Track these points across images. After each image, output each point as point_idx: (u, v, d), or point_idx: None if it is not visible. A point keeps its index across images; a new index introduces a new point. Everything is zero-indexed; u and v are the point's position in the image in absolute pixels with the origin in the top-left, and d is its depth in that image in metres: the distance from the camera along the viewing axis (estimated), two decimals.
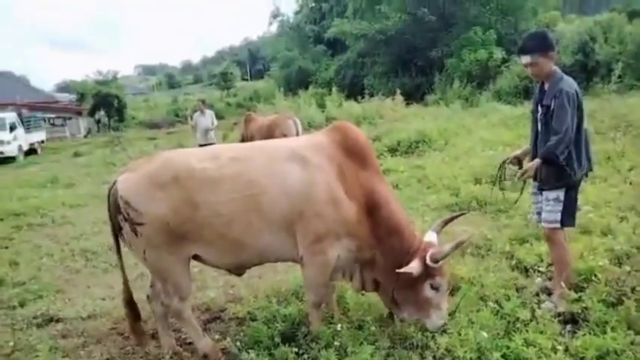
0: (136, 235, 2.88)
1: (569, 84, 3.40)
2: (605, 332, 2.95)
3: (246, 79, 57.31)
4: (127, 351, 3.42)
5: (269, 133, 9.60)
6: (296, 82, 29.42)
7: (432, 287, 3.01)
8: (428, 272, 2.95)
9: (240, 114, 23.31)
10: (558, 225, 3.45)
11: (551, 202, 3.45)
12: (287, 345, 3.15)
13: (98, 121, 29.36)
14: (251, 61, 67.19)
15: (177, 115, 11.18)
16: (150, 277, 3.39)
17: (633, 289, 3.36)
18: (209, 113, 10.91)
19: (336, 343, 3.04)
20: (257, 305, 3.78)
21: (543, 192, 3.52)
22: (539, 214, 3.67)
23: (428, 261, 2.90)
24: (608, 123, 9.03)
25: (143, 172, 2.93)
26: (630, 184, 6.06)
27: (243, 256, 3.07)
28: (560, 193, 3.42)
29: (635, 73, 15.21)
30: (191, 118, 11.28)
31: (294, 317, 3.47)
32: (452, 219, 3.34)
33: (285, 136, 9.39)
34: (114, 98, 29.33)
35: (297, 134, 9.72)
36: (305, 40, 32.92)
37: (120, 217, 2.90)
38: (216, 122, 11.04)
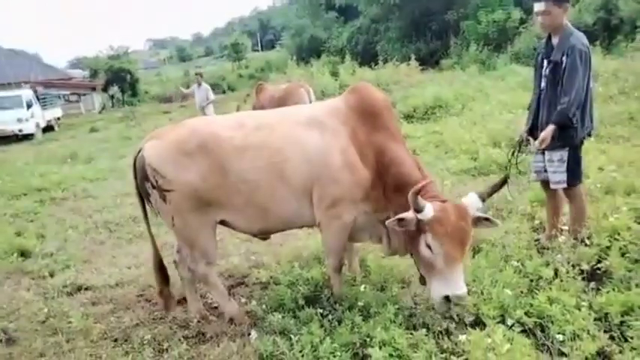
0: (165, 201, 2.93)
1: (581, 40, 3.29)
2: (629, 289, 2.94)
3: (258, 50, 56.65)
4: (155, 317, 3.51)
5: (281, 103, 9.53)
6: (308, 51, 29.01)
7: (426, 245, 2.70)
8: (421, 227, 2.71)
9: (252, 85, 23.13)
10: (565, 185, 3.44)
11: (556, 162, 3.42)
12: (311, 307, 3.21)
13: (112, 97, 29.46)
14: (262, 31, 66.20)
15: (188, 87, 11.14)
16: (176, 243, 3.44)
17: None
18: (204, 87, 10.92)
19: (359, 304, 3.08)
20: (280, 270, 3.84)
21: (546, 152, 3.47)
22: (537, 172, 3.67)
23: (415, 210, 2.66)
24: (632, 82, 8.76)
25: (170, 140, 2.96)
26: None
27: (269, 221, 3.12)
28: (564, 153, 3.38)
29: None
30: (188, 87, 11.37)
31: (317, 280, 3.52)
32: (500, 185, 2.91)
33: (297, 104, 9.35)
34: (126, 73, 29.35)
35: (310, 102, 9.66)
36: (316, 7, 32.22)
37: (148, 184, 2.95)
38: (212, 97, 11.10)
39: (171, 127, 3.24)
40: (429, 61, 20.44)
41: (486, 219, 2.81)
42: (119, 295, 3.91)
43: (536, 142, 3.37)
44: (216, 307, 3.51)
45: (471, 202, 2.79)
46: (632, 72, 9.21)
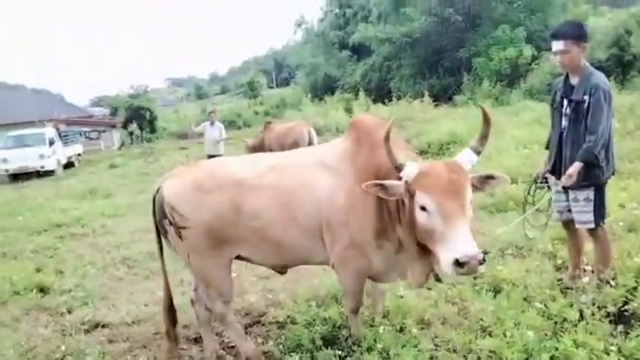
0: (181, 238, 2.98)
1: (603, 80, 3.31)
2: None
3: (273, 87, 57.86)
4: (171, 355, 3.47)
5: (283, 140, 9.89)
6: (322, 88, 29.56)
7: (420, 208, 2.46)
8: (410, 190, 2.50)
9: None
10: (592, 225, 3.37)
11: (582, 202, 3.37)
12: (329, 348, 3.16)
13: (131, 133, 30.15)
14: (277, 69, 67.78)
15: (225, 126, 11.44)
16: (193, 281, 3.45)
17: None
18: (218, 125, 11.11)
19: (378, 345, 3.02)
20: (297, 309, 3.79)
21: (570, 191, 3.43)
22: (560, 212, 3.62)
23: (396, 169, 2.55)
24: None
25: (188, 179, 3.04)
26: None
27: (284, 257, 3.16)
28: (590, 193, 3.34)
29: None
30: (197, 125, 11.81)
31: (335, 320, 3.48)
32: (486, 132, 2.70)
33: (296, 143, 9.71)
34: (146, 111, 30.11)
35: (311, 142, 9.91)
36: (330, 46, 33.01)
37: (165, 222, 3.01)
38: (224, 135, 11.23)
39: (188, 167, 3.38)
40: (443, 97, 20.62)
41: (490, 177, 2.66)
42: (136, 333, 3.89)
43: (563, 179, 3.32)
44: (232, 347, 3.47)
45: (464, 156, 2.61)
46: None
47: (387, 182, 2.60)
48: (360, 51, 29.81)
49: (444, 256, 2.33)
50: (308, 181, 2.98)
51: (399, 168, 2.53)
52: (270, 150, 9.77)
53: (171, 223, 2.98)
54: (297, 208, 2.95)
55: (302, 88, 33.71)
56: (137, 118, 29.94)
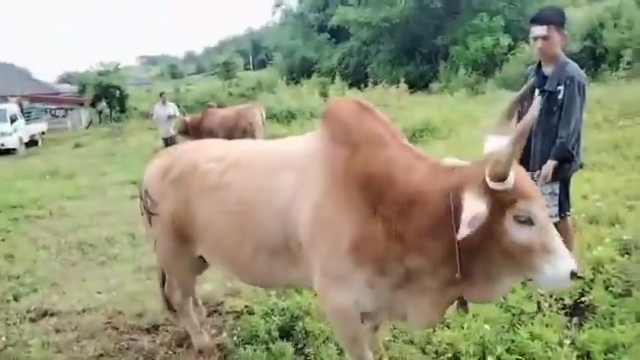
0: (150, 224, 2.86)
1: (578, 71, 3.20)
2: (612, 325, 2.87)
3: (249, 69, 56.96)
4: (121, 346, 3.34)
5: (234, 124, 9.62)
6: (299, 71, 29.20)
7: (520, 221, 1.82)
8: (500, 204, 1.81)
9: (242, 103, 23.14)
10: (557, 219, 3.33)
11: (547, 195, 3.31)
12: (285, 339, 3.08)
13: (100, 112, 29.24)
14: (254, 50, 66.64)
15: (178, 106, 10.92)
16: None
17: None
18: (169, 104, 10.79)
19: (335, 337, 2.94)
20: (255, 299, 3.70)
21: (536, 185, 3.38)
22: None
23: (489, 183, 1.78)
24: (617, 110, 8.86)
25: (161, 164, 2.85)
26: (639, 172, 5.91)
27: (243, 275, 2.69)
28: (556, 187, 3.29)
29: None
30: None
31: (293, 311, 3.39)
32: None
33: (251, 124, 9.47)
34: (115, 89, 29.17)
35: (263, 123, 9.74)
36: (308, 28, 32.59)
37: (141, 204, 2.90)
38: (177, 113, 10.85)
39: (175, 149, 3.12)
40: (419, 84, 20.66)
41: None
42: (85, 323, 3.72)
43: (540, 180, 3.22)
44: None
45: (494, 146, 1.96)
46: (616, 100, 9.31)
47: (471, 206, 1.78)
48: (338, 34, 29.51)
49: (557, 271, 1.85)
50: (269, 186, 2.32)
51: (504, 176, 1.76)
52: (213, 135, 9.57)
53: (145, 207, 2.86)
54: (252, 221, 2.36)
55: (279, 70, 33.23)
56: (107, 96, 28.99)
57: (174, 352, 3.18)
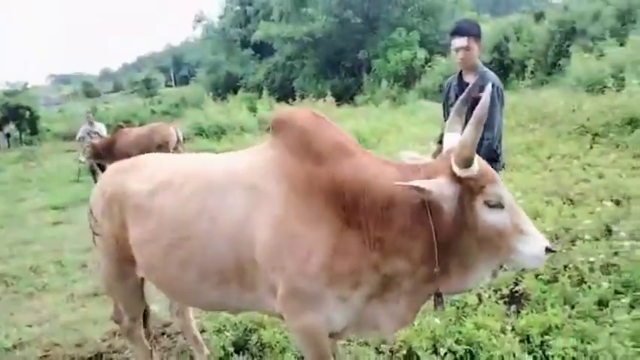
0: (95, 244, 2.69)
1: (496, 79, 3.49)
2: (545, 309, 3.11)
3: (171, 86, 55.40)
4: None
5: (148, 142, 9.41)
6: (224, 87, 28.86)
7: (491, 206, 1.89)
8: (469, 191, 1.89)
9: (166, 121, 22.39)
10: None
11: None
12: (240, 353, 3.05)
13: (8, 136, 26.97)
14: (175, 66, 64.95)
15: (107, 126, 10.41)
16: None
17: (565, 267, 3.59)
18: (98, 125, 10.36)
19: (292, 346, 2.95)
20: (205, 315, 3.60)
21: None
22: None
23: (457, 171, 1.86)
24: (527, 115, 9.66)
25: (100, 182, 2.69)
26: (550, 170, 6.49)
27: (190, 302, 2.63)
28: None
29: (545, 69, 16.45)
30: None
31: (245, 324, 3.36)
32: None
33: (167, 143, 9.33)
34: (25, 110, 27.13)
35: (179, 141, 9.64)
36: (231, 43, 32.39)
37: (89, 223, 2.68)
38: (105, 134, 10.39)
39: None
40: (345, 96, 21.23)
41: None
42: (18, 359, 3.43)
43: None
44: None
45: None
46: (526, 107, 10.16)
47: (431, 184, 1.85)
48: (262, 49, 29.61)
49: (532, 249, 1.92)
50: (212, 207, 2.15)
51: (469, 161, 1.84)
52: (128, 156, 9.21)
53: (90, 226, 2.66)
54: (194, 246, 2.18)
55: (203, 86, 32.62)
56: (15, 117, 26.86)
57: None
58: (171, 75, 61.57)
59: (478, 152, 3.34)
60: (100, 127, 10.32)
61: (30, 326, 3.95)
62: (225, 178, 2.19)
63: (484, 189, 1.88)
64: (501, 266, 2.13)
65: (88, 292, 4.54)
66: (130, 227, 2.36)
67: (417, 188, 1.83)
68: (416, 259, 2.00)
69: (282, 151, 2.15)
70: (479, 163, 1.88)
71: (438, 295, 2.06)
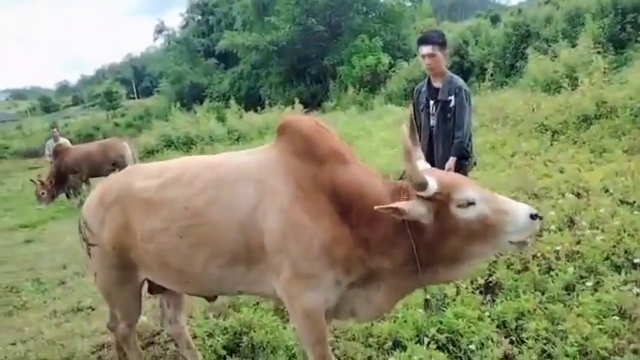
0: (90, 256, 2.76)
1: (463, 82, 3.77)
2: (518, 296, 3.32)
3: (133, 98, 54.36)
4: None
5: (102, 158, 9.33)
6: (189, 97, 28.65)
7: (461, 206, 2.08)
8: (440, 203, 2.09)
9: (130, 134, 22.04)
10: None
11: None
12: (233, 356, 3.12)
13: None
14: (136, 78, 63.77)
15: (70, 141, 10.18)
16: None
17: (534, 257, 3.83)
18: (63, 141, 10.25)
19: (285, 345, 3.06)
20: (194, 323, 3.65)
21: None
22: None
23: (420, 194, 2.08)
24: (489, 116, 10.06)
25: (96, 194, 2.78)
26: (514, 168, 6.81)
27: (195, 287, 2.69)
28: None
29: (503, 71, 17.12)
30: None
31: (235, 328, 3.42)
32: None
33: (122, 157, 9.28)
34: None
35: (132, 155, 9.63)
36: (194, 53, 32.24)
37: (81, 237, 2.77)
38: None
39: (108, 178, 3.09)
40: (312, 103, 21.47)
41: None
42: None
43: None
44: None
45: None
46: (487, 107, 10.59)
47: (405, 205, 2.07)
48: (226, 59, 29.58)
49: (518, 222, 2.06)
50: (225, 197, 2.38)
51: (423, 185, 2.05)
52: (76, 172, 9.17)
53: (84, 239, 2.75)
54: (204, 232, 2.39)
55: (167, 97, 32.24)
56: None
57: None
58: (133, 86, 60.35)
59: (449, 151, 3.59)
60: (65, 142, 10.16)
61: (14, 344, 3.90)
62: (236, 174, 2.43)
63: (452, 196, 2.09)
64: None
65: (70, 307, 4.51)
66: (137, 224, 2.50)
67: (395, 210, 2.05)
68: (398, 262, 2.23)
69: (288, 153, 2.40)
70: (438, 178, 2.11)
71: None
